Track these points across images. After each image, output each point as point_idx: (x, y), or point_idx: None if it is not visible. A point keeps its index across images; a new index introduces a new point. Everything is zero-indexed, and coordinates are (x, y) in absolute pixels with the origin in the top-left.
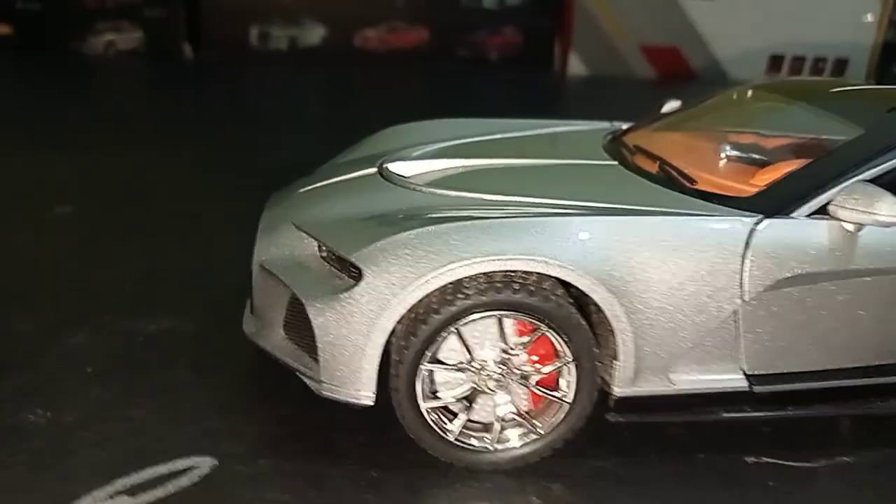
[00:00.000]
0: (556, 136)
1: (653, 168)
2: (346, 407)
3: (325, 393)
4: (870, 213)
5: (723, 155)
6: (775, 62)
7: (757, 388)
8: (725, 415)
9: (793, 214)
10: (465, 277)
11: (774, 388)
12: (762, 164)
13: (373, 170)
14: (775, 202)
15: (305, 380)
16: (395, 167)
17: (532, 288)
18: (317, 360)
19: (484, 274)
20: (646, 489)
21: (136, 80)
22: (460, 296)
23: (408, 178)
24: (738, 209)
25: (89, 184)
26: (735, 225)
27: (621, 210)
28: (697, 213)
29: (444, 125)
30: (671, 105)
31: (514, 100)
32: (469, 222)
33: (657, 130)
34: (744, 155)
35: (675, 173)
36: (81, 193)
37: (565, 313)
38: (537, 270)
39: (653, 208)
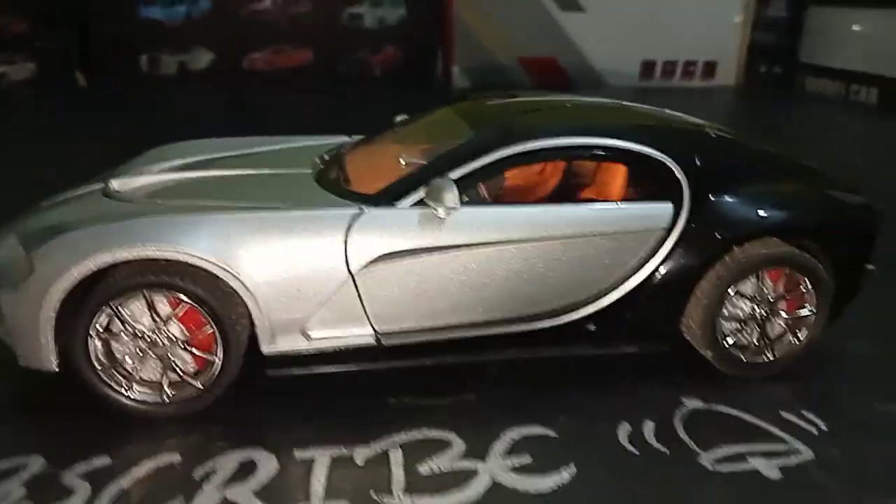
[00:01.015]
0: (292, 150)
1: (332, 174)
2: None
3: (22, 363)
4: (439, 203)
5: (387, 161)
6: (647, 68)
7: (385, 342)
8: (362, 365)
9: (397, 205)
10: (115, 264)
11: (401, 341)
12: (405, 167)
13: (100, 185)
14: (387, 196)
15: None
16: (115, 182)
17: (170, 270)
18: None
19: (133, 261)
20: (291, 429)
21: (27, 108)
22: (110, 280)
23: (122, 191)
24: (359, 202)
25: None
26: (343, 214)
27: (261, 207)
28: (319, 207)
29: (209, 143)
30: (399, 118)
31: (393, 113)
32: (110, 223)
33: (369, 142)
34: (401, 160)
35: (335, 177)
36: None
37: (202, 289)
38: (158, 256)
39: (288, 205)
